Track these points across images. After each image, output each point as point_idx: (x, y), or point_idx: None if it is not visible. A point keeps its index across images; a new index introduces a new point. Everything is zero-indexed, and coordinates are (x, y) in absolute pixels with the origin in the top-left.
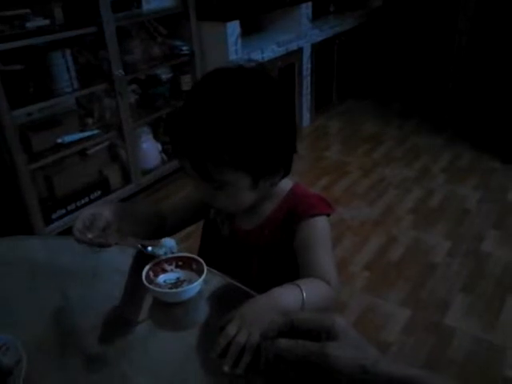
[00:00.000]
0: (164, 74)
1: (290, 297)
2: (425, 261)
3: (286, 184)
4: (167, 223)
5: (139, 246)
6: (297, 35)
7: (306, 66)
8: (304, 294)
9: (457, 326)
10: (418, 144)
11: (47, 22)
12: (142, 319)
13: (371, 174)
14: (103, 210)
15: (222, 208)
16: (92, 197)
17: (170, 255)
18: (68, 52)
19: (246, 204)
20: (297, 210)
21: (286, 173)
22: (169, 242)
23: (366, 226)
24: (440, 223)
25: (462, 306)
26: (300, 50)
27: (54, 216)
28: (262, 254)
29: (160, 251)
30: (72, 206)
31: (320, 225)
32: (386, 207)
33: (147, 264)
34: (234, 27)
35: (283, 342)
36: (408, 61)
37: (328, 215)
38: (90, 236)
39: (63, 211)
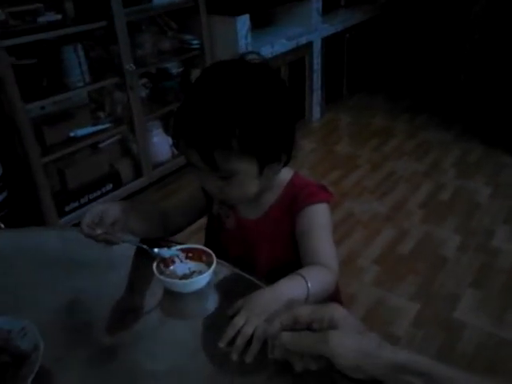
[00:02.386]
0: (174, 68)
1: (295, 288)
2: (435, 255)
3: (286, 174)
4: (171, 222)
5: (145, 246)
6: (307, 29)
7: (317, 60)
8: (309, 284)
9: (466, 320)
10: (429, 138)
11: (59, 16)
12: (150, 309)
13: (381, 168)
14: (111, 207)
15: (229, 199)
16: (104, 190)
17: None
18: (79, 46)
19: (252, 193)
20: (297, 199)
21: (287, 161)
22: (174, 249)
23: (376, 219)
24: (450, 218)
25: (472, 301)
26: (310, 44)
27: (67, 209)
28: (267, 243)
29: (166, 254)
30: (85, 199)
31: (320, 212)
32: (396, 201)
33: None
34: (244, 21)
35: (286, 336)
36: (419, 54)
37: (328, 202)
38: (98, 231)
39: (76, 204)
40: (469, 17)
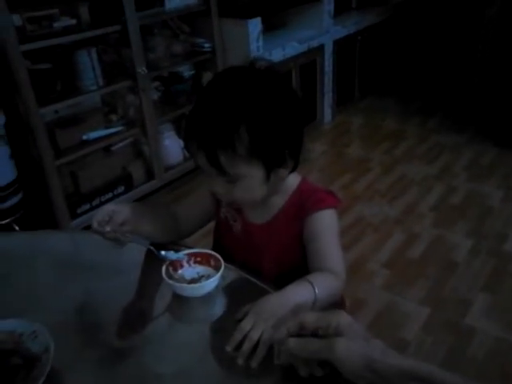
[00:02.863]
0: (186, 71)
1: (302, 294)
2: (446, 259)
3: (294, 179)
4: (180, 225)
5: (152, 248)
6: (319, 32)
7: (328, 62)
8: (316, 290)
9: (477, 325)
10: (440, 141)
11: (74, 21)
12: (158, 312)
13: (392, 171)
14: (122, 208)
15: (237, 202)
16: (116, 192)
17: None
18: (93, 50)
19: (258, 197)
20: (305, 205)
21: (295, 167)
22: (181, 253)
23: (387, 223)
24: (462, 221)
25: (483, 306)
26: (321, 47)
27: (79, 211)
28: (273, 247)
29: (172, 257)
30: (96, 201)
31: (327, 217)
32: (406, 205)
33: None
34: (255, 24)
35: (292, 341)
36: (431, 56)
37: (335, 208)
38: (108, 228)
39: (88, 206)
40: (482, 19)
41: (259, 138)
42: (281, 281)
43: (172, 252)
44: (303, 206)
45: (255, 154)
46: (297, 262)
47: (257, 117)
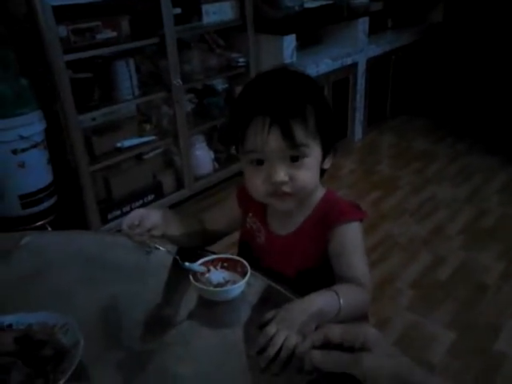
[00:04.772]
0: (219, 84)
1: (326, 302)
2: (475, 282)
3: (320, 191)
4: (207, 232)
5: (177, 257)
6: (353, 50)
7: (361, 80)
8: (341, 300)
9: (507, 351)
10: (472, 164)
11: (115, 33)
12: (183, 315)
13: (422, 191)
14: (152, 213)
15: (296, 188)
16: (146, 200)
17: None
18: (131, 61)
19: (314, 184)
20: (329, 217)
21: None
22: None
23: (415, 243)
24: (492, 245)
25: None
26: (355, 65)
27: (109, 216)
28: (298, 259)
29: (195, 268)
30: (127, 208)
31: (352, 230)
32: (435, 226)
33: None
34: (290, 40)
35: (317, 354)
36: (465, 78)
37: (360, 221)
38: (138, 231)
39: (118, 212)
40: None
41: (322, 116)
42: (305, 291)
43: (196, 264)
44: (328, 215)
45: (319, 130)
46: (318, 263)
47: (318, 98)
